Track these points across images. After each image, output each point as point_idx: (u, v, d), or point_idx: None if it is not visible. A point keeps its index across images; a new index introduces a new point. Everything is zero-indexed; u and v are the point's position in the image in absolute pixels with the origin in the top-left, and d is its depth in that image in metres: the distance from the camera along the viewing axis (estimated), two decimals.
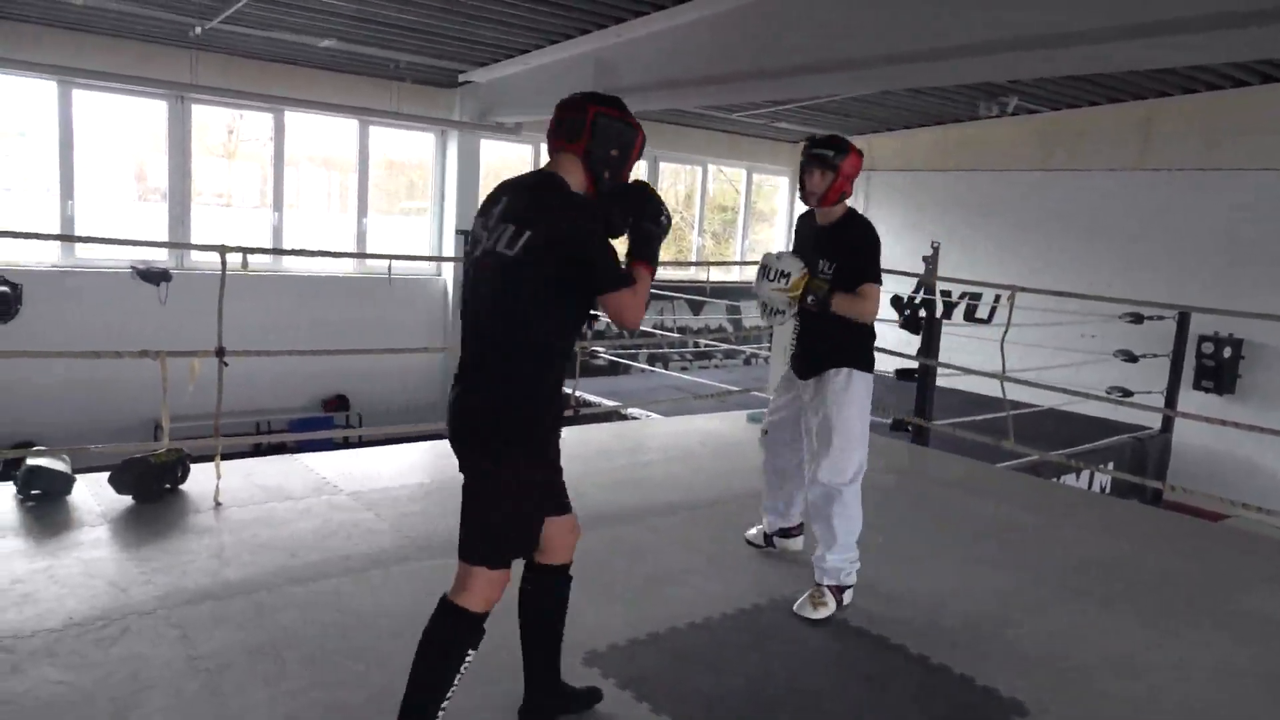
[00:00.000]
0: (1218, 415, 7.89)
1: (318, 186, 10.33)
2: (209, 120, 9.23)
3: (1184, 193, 9.83)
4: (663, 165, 12.43)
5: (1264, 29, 4.85)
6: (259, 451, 8.78)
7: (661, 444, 5.89)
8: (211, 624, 2.95)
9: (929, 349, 6.47)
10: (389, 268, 5.66)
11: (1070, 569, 3.99)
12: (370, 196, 10.03)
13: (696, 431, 6.25)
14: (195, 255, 8.57)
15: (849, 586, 3.36)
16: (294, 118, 9.30)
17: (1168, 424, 8.96)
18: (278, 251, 8.94)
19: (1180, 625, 3.48)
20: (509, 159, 11.32)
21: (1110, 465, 8.40)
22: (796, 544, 3.82)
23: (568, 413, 5.87)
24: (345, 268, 9.71)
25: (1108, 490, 8.36)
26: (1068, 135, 10.65)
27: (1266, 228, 9.31)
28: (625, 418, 7.51)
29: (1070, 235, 10.46)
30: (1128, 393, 8.90)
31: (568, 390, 10.01)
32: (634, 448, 5.80)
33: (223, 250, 3.97)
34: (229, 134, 9.67)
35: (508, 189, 2.38)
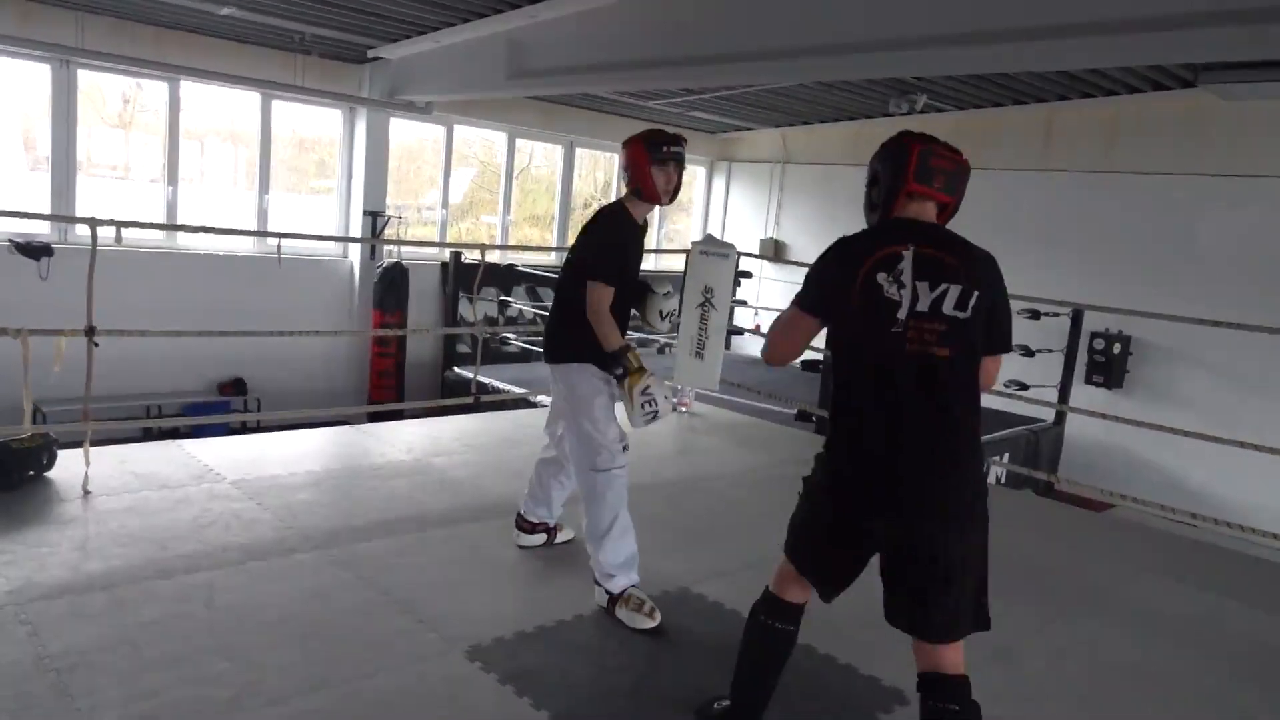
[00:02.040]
0: (1107, 409, 8.23)
1: (223, 162, 9.90)
2: (104, 88, 8.74)
3: (1082, 194, 10.18)
4: (579, 151, 12.32)
5: (1160, 35, 5.03)
6: (149, 437, 8.41)
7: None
8: (66, 621, 2.77)
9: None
10: (278, 246, 5.42)
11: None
12: (278, 174, 9.66)
13: None
14: (81, 229, 8.10)
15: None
16: (193, 89, 8.88)
17: (1060, 417, 9.29)
18: (154, 226, 8.50)
19: (1059, 614, 3.58)
20: (429, 139, 11.07)
21: (1005, 457, 8.68)
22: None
23: (469, 400, 5.78)
24: (246, 246, 9.33)
25: (1002, 481, 8.64)
26: (974, 135, 10.90)
27: (1156, 229, 9.72)
28: (533, 405, 7.42)
29: (975, 232, 10.66)
30: (1024, 386, 9.19)
31: (469, 376, 9.82)
32: (538, 436, 5.69)
33: (93, 223, 3.74)
34: (125, 103, 9.18)
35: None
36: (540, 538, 3.67)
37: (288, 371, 9.44)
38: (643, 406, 3.04)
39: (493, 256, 11.17)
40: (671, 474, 5.10)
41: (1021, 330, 10.30)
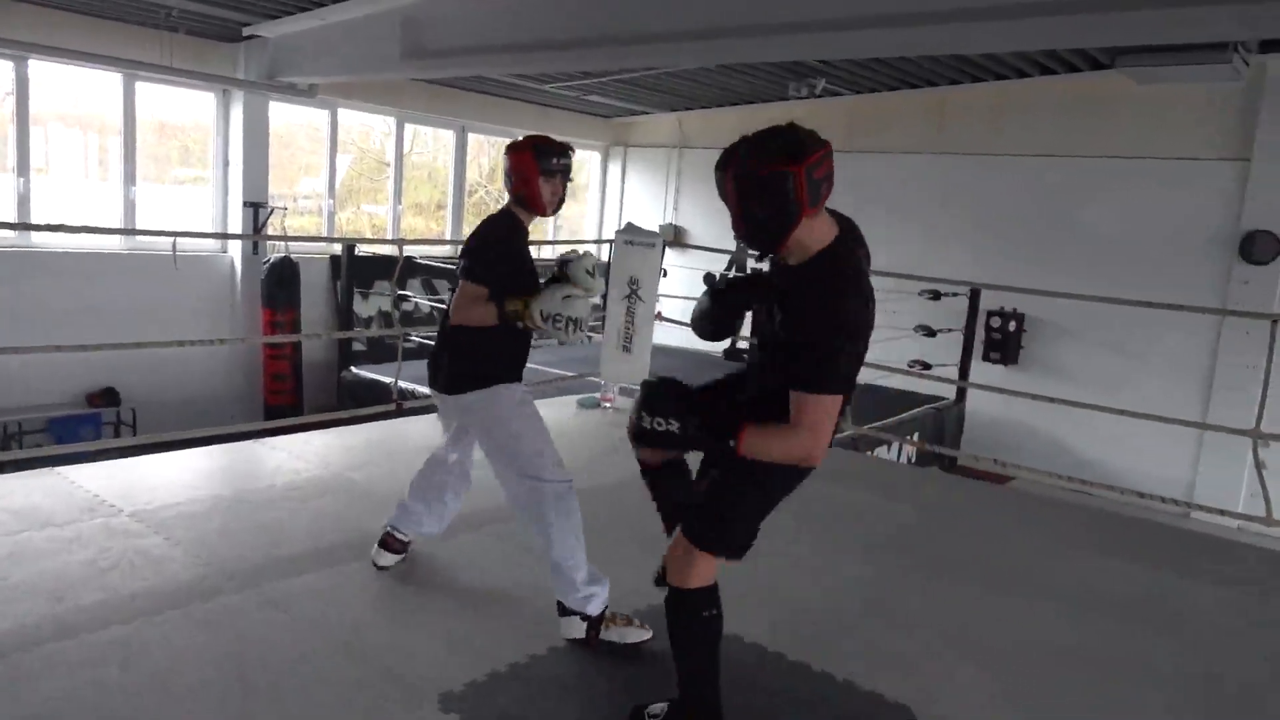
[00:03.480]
0: (1004, 384, 8.46)
1: (71, 149, 8.98)
2: None
3: (974, 175, 10.44)
4: (471, 136, 11.83)
5: (1047, 19, 5.11)
6: (8, 463, 7.58)
7: None
8: None
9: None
10: (174, 245, 4.86)
11: (902, 547, 4.00)
12: (139, 163, 8.83)
13: None
14: None
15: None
16: (41, 68, 7.99)
17: (961, 394, 9.52)
18: (24, 226, 7.65)
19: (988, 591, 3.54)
20: (302, 124, 10.37)
21: (916, 436, 8.83)
22: None
23: (391, 406, 5.37)
24: (111, 244, 8.51)
25: (913, 460, 8.78)
26: (869, 118, 11.04)
27: (1043, 209, 10.06)
28: None
29: (871, 214, 10.82)
30: (927, 365, 9.36)
31: (370, 376, 9.26)
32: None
33: None
34: None
35: None
36: (402, 555, 3.32)
37: (165, 377, 8.68)
38: (554, 324, 2.79)
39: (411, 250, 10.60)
40: (609, 476, 4.85)
41: (923, 311, 10.57)
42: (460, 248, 2.96)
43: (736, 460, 2.15)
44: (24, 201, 8.02)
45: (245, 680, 2.54)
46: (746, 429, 2.10)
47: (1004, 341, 10.25)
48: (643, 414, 2.23)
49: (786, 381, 2.07)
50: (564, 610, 2.87)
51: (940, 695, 2.75)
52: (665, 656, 2.46)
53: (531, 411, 2.94)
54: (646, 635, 2.84)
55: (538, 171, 2.91)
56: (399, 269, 5.77)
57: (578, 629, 2.85)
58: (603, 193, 13.74)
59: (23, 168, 8.00)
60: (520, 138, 3.00)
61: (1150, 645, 3.22)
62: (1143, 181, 9.46)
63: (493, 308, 2.78)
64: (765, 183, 1.99)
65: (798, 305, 2.07)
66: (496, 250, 2.90)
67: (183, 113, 9.36)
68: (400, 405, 5.01)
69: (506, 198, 3.01)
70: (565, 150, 2.98)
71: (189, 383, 8.90)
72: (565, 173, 2.98)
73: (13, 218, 7.84)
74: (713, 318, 2.38)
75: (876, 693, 2.73)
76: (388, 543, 3.27)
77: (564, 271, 2.86)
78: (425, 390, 8.40)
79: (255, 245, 9.19)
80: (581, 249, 3.05)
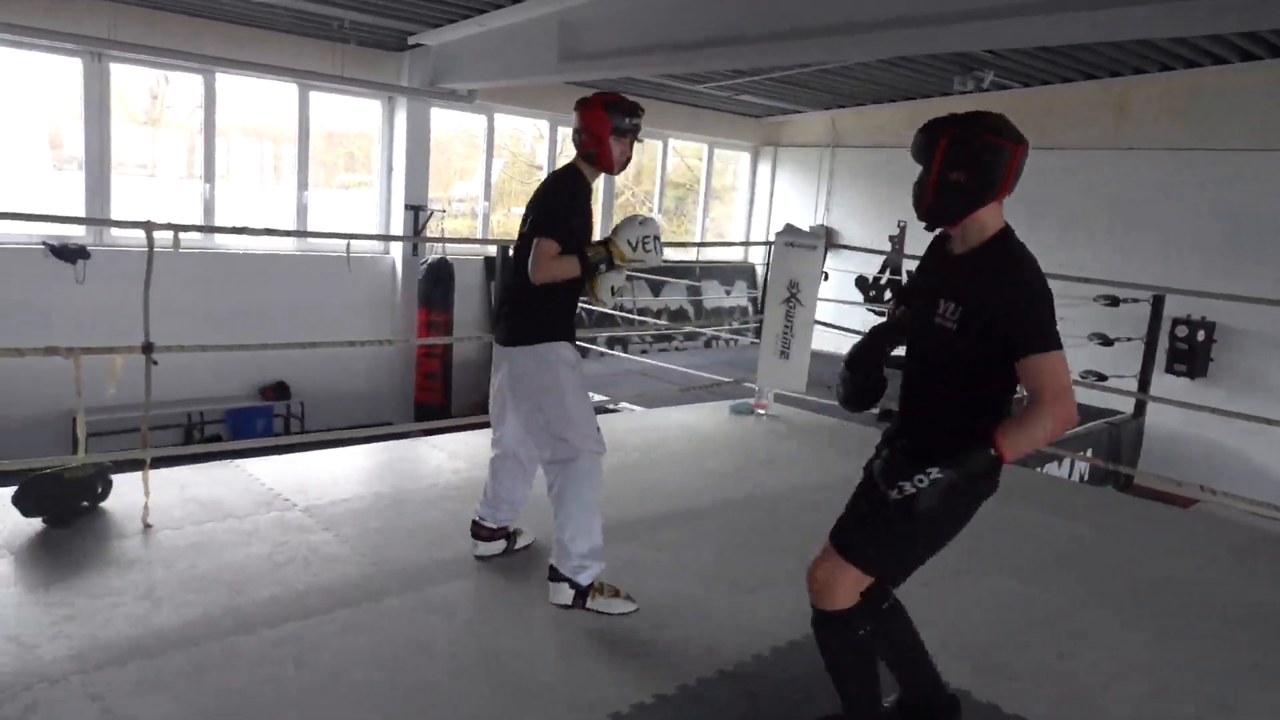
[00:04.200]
0: (1190, 399, 7.74)
1: (248, 157, 9.54)
2: (129, 83, 8.39)
3: (1160, 172, 9.62)
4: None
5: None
6: (189, 443, 8.08)
7: (642, 440, 5.40)
8: (140, 692, 2.39)
9: None
10: (347, 247, 5.03)
11: (1076, 576, 3.63)
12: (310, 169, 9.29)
13: (676, 426, 5.78)
14: (115, 231, 7.77)
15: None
16: (225, 81, 8.50)
17: (1140, 408, 8.80)
18: (214, 229, 8.14)
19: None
20: (458, 129, 10.66)
21: (1089, 452, 8.20)
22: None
23: None
24: (285, 246, 8.98)
25: (1085, 478, 8.17)
26: (1039, 112, 10.35)
27: (1239, 208, 9.17)
28: (613, 410, 6.98)
29: (1042, 216, 10.21)
30: (1102, 377, 8.70)
31: None
32: (615, 446, 5.27)
33: (149, 227, 3.34)
34: (153, 99, 8.83)
35: None
36: (500, 544, 3.36)
37: (330, 373, 9.09)
38: (645, 247, 2.94)
39: None
40: (772, 485, 4.69)
41: (1099, 318, 9.89)
42: (526, 205, 3.02)
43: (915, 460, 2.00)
44: (209, 207, 8.55)
45: (410, 685, 2.52)
46: (998, 432, 1.94)
47: (1191, 352, 9.40)
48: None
49: (983, 372, 2.02)
50: (555, 575, 2.91)
51: None
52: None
53: (581, 375, 3.01)
54: (632, 607, 2.92)
55: (610, 129, 2.91)
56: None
57: (565, 595, 2.89)
58: (752, 193, 13.52)
59: (209, 175, 8.53)
60: (589, 95, 3.01)
61: None
62: None
63: (573, 259, 2.85)
64: (981, 150, 1.97)
65: (986, 283, 1.99)
66: (567, 206, 2.93)
67: (349, 120, 9.78)
68: None
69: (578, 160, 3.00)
70: (636, 109, 2.97)
71: (352, 378, 9.30)
72: (635, 132, 2.97)
73: (200, 221, 8.37)
74: (857, 387, 2.30)
75: None
76: (476, 531, 3.33)
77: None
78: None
79: (415, 247, 9.49)
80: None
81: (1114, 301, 9.00)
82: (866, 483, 2.24)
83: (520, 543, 3.43)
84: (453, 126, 10.58)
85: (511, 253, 3.14)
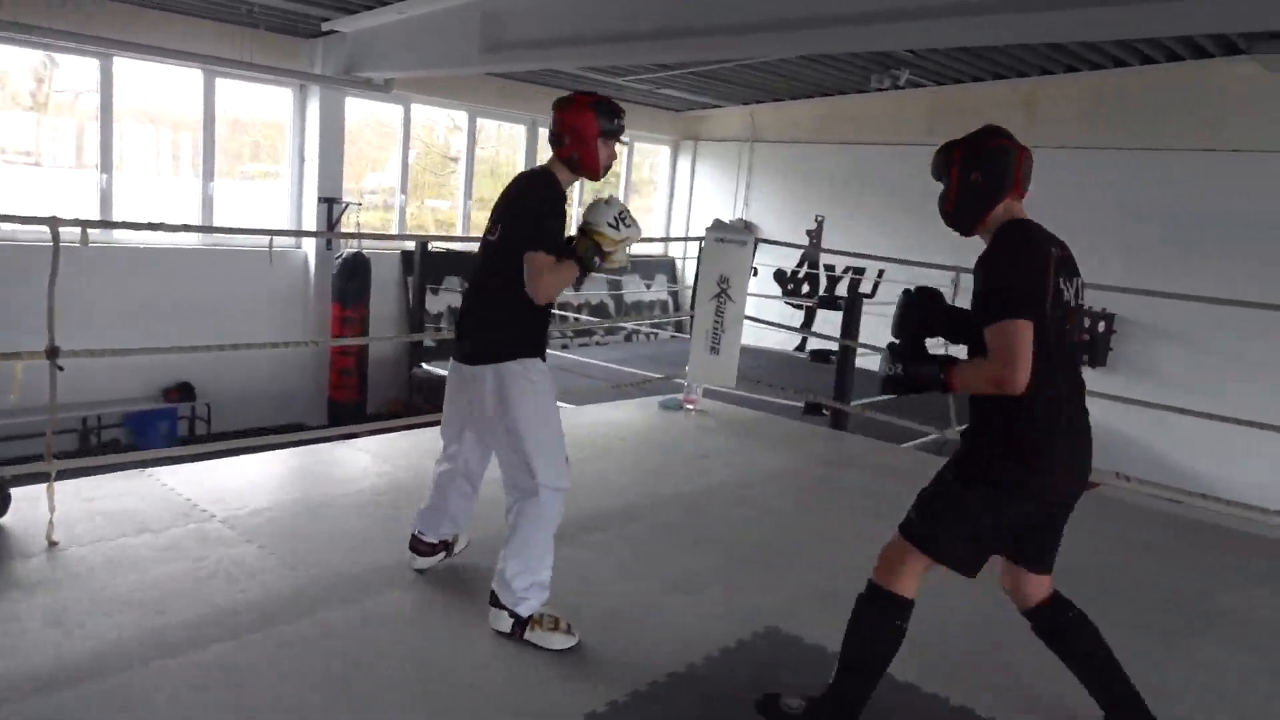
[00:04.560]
0: (1092, 387, 8.05)
1: (142, 145, 9.03)
2: (12, 65, 7.86)
3: (1064, 170, 9.96)
4: (541, 131, 11.71)
5: (1139, 6, 4.79)
6: (88, 450, 7.66)
7: (572, 439, 5.28)
8: None
9: (850, 329, 6.18)
10: (270, 243, 4.79)
11: None
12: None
13: (606, 423, 5.72)
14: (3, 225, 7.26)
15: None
16: (121, 65, 8.04)
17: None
18: (124, 225, 7.69)
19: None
20: (373, 119, 10.35)
21: None
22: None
23: None
24: (189, 240, 8.55)
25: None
26: (952, 111, 10.64)
27: (1137, 205, 9.59)
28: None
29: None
30: None
31: (441, 373, 9.30)
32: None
33: (54, 223, 3.10)
34: (38, 83, 8.29)
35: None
36: (439, 557, 3.21)
37: (238, 372, 8.71)
38: (624, 223, 2.79)
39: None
40: (698, 482, 4.67)
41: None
42: (496, 209, 2.84)
43: (965, 460, 2.28)
44: (106, 198, 8.09)
45: (356, 703, 2.40)
46: (953, 366, 2.23)
47: (1093, 343, 9.81)
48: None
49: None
50: (495, 601, 2.81)
51: None
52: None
53: (553, 398, 2.85)
54: (572, 641, 2.77)
55: (598, 132, 2.76)
56: None
57: (504, 623, 2.79)
58: (671, 188, 13.54)
59: (106, 164, 8.07)
60: (569, 95, 2.86)
61: None
62: (1249, 175, 8.95)
63: (570, 266, 2.71)
64: (993, 152, 2.29)
65: (981, 267, 2.23)
66: (552, 212, 2.75)
67: (255, 108, 9.37)
68: None
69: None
70: (621, 110, 2.85)
71: (261, 377, 8.94)
72: (620, 134, 2.84)
73: (96, 214, 7.90)
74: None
75: None
76: (415, 546, 3.16)
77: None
78: None
79: (329, 241, 9.18)
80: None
81: None
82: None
83: (458, 547, 3.30)
84: (363, 116, 10.26)
85: (478, 259, 2.90)
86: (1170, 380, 9.26)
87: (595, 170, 2.81)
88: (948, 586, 3.36)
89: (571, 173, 2.83)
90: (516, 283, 2.68)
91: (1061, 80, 9.67)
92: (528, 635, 2.76)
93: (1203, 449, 8.89)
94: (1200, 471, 8.83)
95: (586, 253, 2.73)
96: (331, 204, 9.11)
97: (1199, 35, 8.02)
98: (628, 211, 2.83)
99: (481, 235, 2.91)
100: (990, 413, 2.22)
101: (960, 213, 2.32)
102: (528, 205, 2.76)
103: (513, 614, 2.77)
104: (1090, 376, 8.75)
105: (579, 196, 11.08)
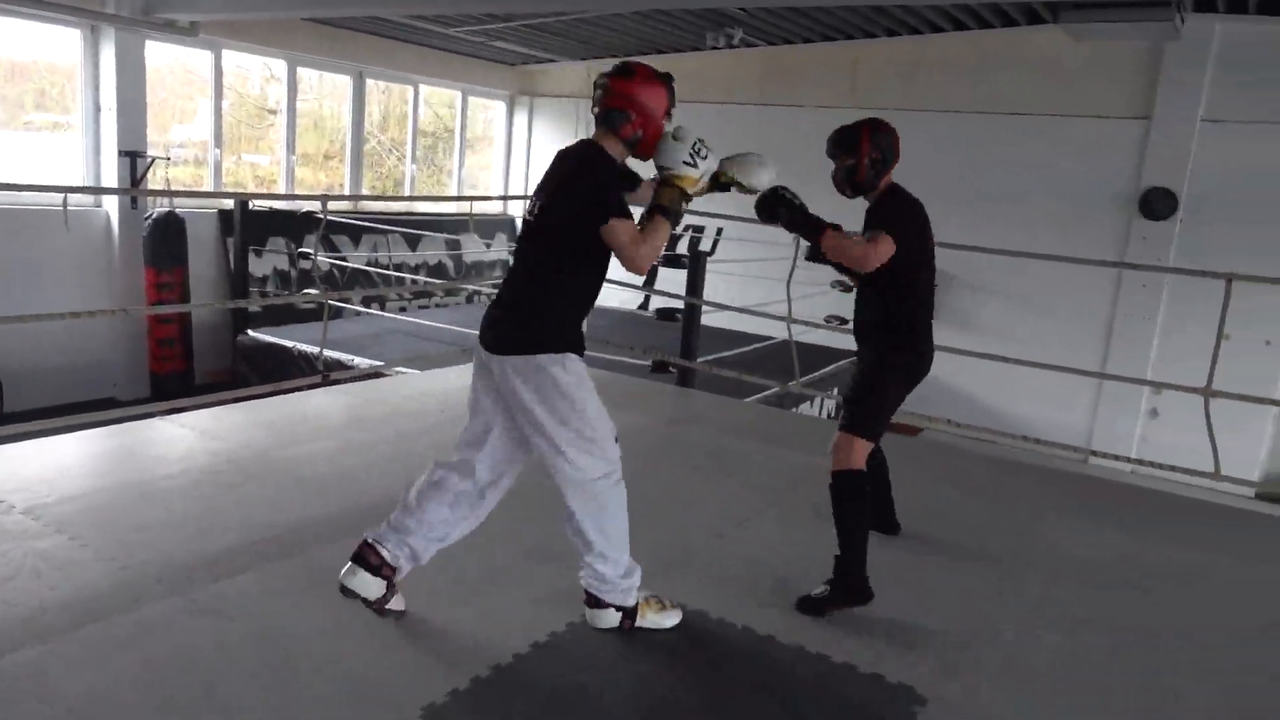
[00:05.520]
0: None
1: None
2: None
3: None
4: (370, 83, 11.13)
5: None
6: None
7: (419, 407, 5.13)
8: None
9: (694, 287, 6.24)
10: (65, 200, 4.29)
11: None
12: None
13: (456, 389, 5.52)
14: None
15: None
16: None
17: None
18: None
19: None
20: (179, 65, 9.51)
21: (835, 391, 8.87)
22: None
23: (316, 379, 4.96)
24: None
25: (834, 416, 8.84)
26: (784, 72, 10.91)
27: (955, 166, 10.17)
28: (379, 375, 6.56)
29: (790, 171, 10.78)
30: (844, 320, 9.38)
31: (269, 340, 8.75)
32: (391, 413, 4.98)
33: None
34: None
35: None
36: (380, 587, 2.59)
37: (37, 345, 7.90)
38: (699, 154, 2.56)
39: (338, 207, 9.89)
40: None
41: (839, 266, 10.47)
42: (549, 190, 2.52)
43: (870, 359, 3.12)
44: None
45: (183, 704, 2.21)
46: (834, 230, 2.98)
47: None
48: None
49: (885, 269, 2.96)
50: (598, 603, 2.65)
51: (943, 670, 2.65)
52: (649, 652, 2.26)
53: (591, 389, 2.59)
54: (679, 616, 2.74)
55: (666, 110, 2.55)
56: (322, 228, 5.30)
57: (612, 619, 2.66)
58: (509, 144, 13.23)
59: None
60: (628, 64, 2.58)
61: (1121, 605, 3.22)
62: (1053, 138, 9.65)
63: (659, 224, 2.48)
64: (888, 135, 3.06)
65: (874, 215, 3.05)
66: (615, 182, 2.51)
67: (38, 50, 8.41)
68: (327, 376, 4.61)
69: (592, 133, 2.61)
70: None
71: (66, 349, 8.15)
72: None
73: None
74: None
75: (878, 674, 2.61)
76: (365, 554, 2.60)
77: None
78: (352, 359, 7.91)
79: (134, 200, 8.41)
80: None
81: None
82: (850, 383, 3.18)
83: (393, 605, 2.64)
84: (169, 62, 9.42)
85: (519, 241, 2.63)
86: (989, 331, 9.94)
87: (649, 150, 2.56)
88: (804, 553, 3.47)
89: (626, 152, 2.56)
90: (560, 267, 2.51)
91: (883, 44, 10.08)
92: (640, 623, 2.66)
93: (1023, 393, 9.63)
94: (1019, 414, 9.56)
95: (673, 204, 2.49)
96: (135, 158, 8.33)
97: (1007, 3, 8.52)
98: (701, 141, 2.56)
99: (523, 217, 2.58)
100: (889, 327, 3.07)
101: (868, 180, 3.04)
102: (582, 177, 2.48)
103: (620, 608, 2.64)
104: None
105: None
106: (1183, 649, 2.94)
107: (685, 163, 2.53)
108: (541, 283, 2.55)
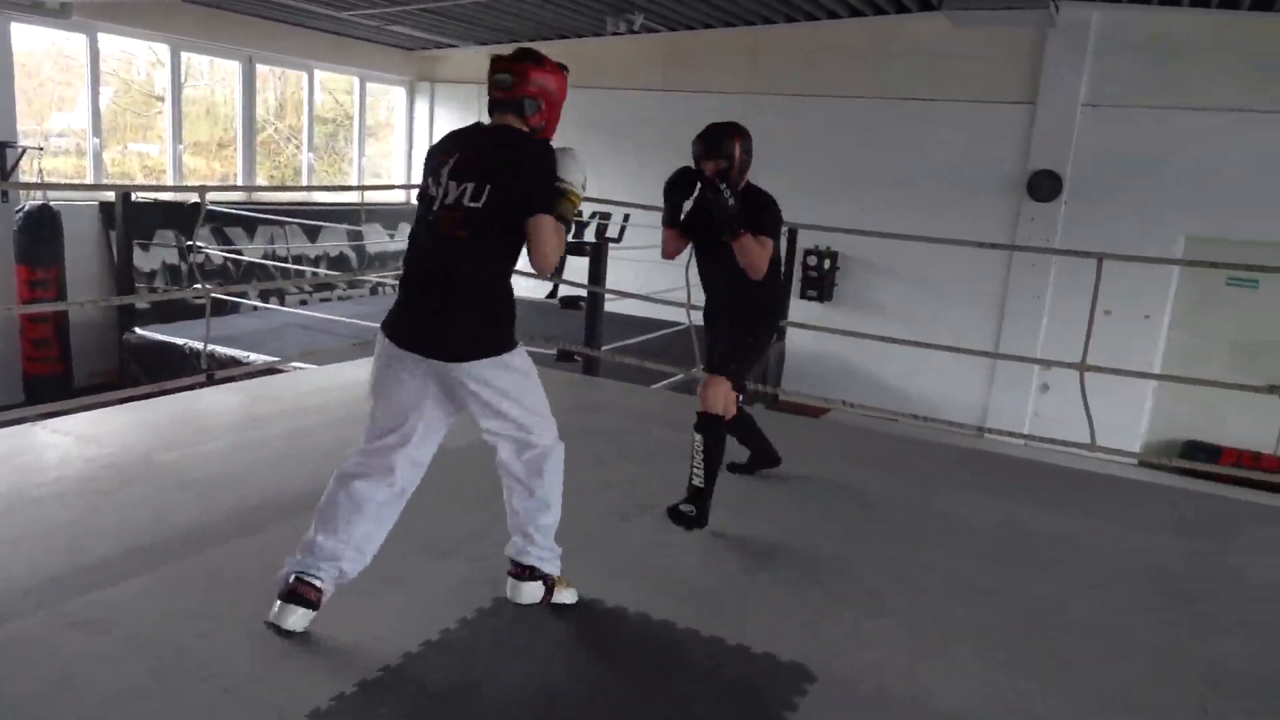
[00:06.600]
0: (821, 321, 8.75)
1: None
2: None
3: (787, 116, 10.58)
4: (264, 69, 10.74)
5: None
6: None
7: (320, 402, 4.99)
8: None
9: (598, 275, 6.22)
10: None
11: (751, 496, 3.99)
12: None
13: (354, 383, 5.41)
14: None
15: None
16: None
17: (781, 332, 9.78)
18: None
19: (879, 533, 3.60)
20: (55, 49, 9.00)
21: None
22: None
23: (200, 378, 4.77)
24: None
25: (740, 399, 8.96)
26: (686, 56, 10.95)
27: (853, 150, 10.39)
28: (275, 371, 6.36)
29: (688, 156, 10.85)
30: None
31: (158, 338, 8.40)
32: (285, 410, 4.83)
33: None
34: None
35: None
36: (311, 615, 2.51)
37: None
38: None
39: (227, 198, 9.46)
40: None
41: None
42: (496, 176, 2.43)
43: (739, 327, 3.53)
44: None
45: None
46: (750, 234, 3.29)
47: (820, 279, 10.59)
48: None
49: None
50: (530, 574, 2.71)
51: (836, 647, 2.71)
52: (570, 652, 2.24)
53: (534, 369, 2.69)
54: (575, 597, 2.81)
55: (562, 100, 2.63)
56: (201, 219, 5.09)
57: (535, 593, 2.72)
58: (410, 132, 12.95)
59: None
60: (534, 51, 2.58)
61: (1021, 577, 3.35)
62: (944, 122, 9.93)
63: (560, 228, 2.48)
64: (747, 138, 3.46)
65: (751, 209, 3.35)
66: (553, 175, 2.47)
67: None
68: (212, 375, 4.44)
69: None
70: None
71: None
72: None
73: None
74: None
75: (770, 653, 2.65)
76: (303, 594, 2.49)
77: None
78: (240, 354, 7.62)
79: (4, 193, 7.94)
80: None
81: None
82: (716, 338, 3.61)
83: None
84: (42, 46, 8.91)
85: (441, 230, 2.47)
86: (888, 312, 10.21)
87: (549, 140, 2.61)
88: (704, 539, 3.50)
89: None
90: (507, 256, 2.50)
91: (783, 29, 10.20)
92: (555, 598, 2.74)
93: (923, 373, 9.93)
94: (919, 393, 9.86)
95: (567, 213, 2.48)
96: (4, 148, 7.86)
97: None
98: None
99: (436, 200, 2.48)
100: (756, 295, 3.46)
101: (739, 178, 3.38)
102: (533, 167, 2.44)
103: (544, 577, 2.71)
104: (817, 310, 9.60)
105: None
106: (1068, 614, 3.08)
107: (582, 185, 2.52)
108: (496, 276, 2.52)
